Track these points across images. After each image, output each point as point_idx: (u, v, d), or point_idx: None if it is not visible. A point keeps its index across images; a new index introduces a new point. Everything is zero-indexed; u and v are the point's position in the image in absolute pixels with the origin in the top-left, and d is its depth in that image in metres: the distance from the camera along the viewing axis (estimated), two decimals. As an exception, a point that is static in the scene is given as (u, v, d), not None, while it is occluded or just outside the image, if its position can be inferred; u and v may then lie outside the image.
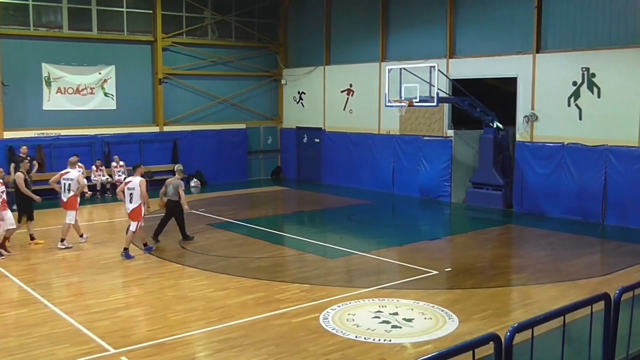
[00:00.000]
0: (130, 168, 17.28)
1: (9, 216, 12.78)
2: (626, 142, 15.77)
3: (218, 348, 8.05)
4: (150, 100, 23.19)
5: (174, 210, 13.90)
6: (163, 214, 14.27)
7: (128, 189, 12.81)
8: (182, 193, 13.73)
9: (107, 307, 9.68)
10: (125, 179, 13.93)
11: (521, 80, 18.01)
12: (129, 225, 12.96)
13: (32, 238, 13.83)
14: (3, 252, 12.74)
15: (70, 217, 13.57)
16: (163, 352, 7.88)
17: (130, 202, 12.74)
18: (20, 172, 13.70)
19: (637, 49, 15.45)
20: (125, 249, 12.76)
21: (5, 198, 12.79)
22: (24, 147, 18.66)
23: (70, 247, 13.50)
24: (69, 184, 13.62)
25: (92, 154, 21.39)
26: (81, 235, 14.08)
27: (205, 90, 24.29)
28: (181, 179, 14.08)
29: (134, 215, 12.78)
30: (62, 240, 13.55)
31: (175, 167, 14.80)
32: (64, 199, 13.68)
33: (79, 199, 14.04)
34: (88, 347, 8.04)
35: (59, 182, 13.82)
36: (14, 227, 13.01)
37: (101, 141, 21.75)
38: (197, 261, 12.61)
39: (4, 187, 12.76)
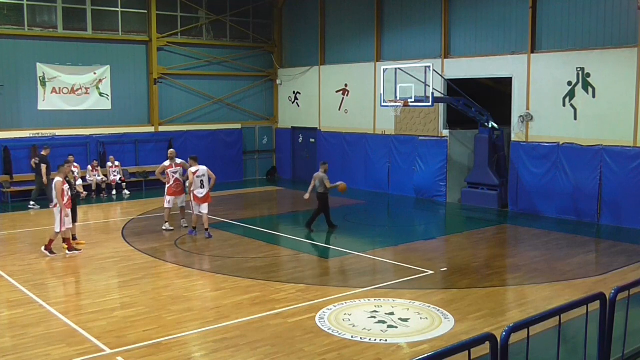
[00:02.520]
0: (126, 168, 18.55)
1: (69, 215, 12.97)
2: (621, 142, 15.81)
3: (214, 348, 8.05)
4: (146, 100, 23.16)
5: (321, 201, 15.33)
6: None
7: (197, 177, 14.47)
8: (327, 184, 15.21)
9: (102, 307, 9.67)
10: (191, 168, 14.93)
11: (516, 81, 18.05)
12: (196, 209, 14.69)
13: (74, 238, 13.87)
14: (72, 251, 13.02)
15: (167, 200, 15.50)
16: (159, 352, 7.88)
17: (202, 187, 14.50)
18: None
19: (632, 49, 15.49)
20: (207, 229, 14.55)
21: (70, 196, 13.00)
22: (47, 148, 18.86)
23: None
24: None
25: (88, 154, 21.36)
26: (166, 222, 15.40)
27: (201, 90, 24.28)
28: (325, 172, 15.31)
29: (205, 199, 14.54)
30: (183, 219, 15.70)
31: (320, 164, 15.84)
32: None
33: (168, 186, 15.44)
34: (84, 347, 8.03)
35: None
36: (70, 226, 13.22)
37: (96, 141, 21.71)
38: (192, 261, 12.62)
39: (67, 185, 12.96)
